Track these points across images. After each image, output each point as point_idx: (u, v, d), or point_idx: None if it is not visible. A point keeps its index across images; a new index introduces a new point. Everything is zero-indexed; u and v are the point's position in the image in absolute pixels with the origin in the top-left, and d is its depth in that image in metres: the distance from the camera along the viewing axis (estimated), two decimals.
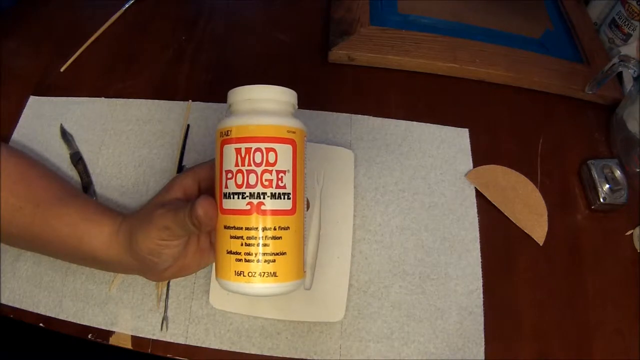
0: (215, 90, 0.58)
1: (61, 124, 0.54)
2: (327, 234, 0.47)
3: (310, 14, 0.66)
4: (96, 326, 0.44)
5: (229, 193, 0.33)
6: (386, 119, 0.56)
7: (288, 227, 0.33)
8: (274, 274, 0.32)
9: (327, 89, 0.59)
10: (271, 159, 0.32)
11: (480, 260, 0.48)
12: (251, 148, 0.32)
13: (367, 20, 0.62)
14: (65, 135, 0.53)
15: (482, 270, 0.48)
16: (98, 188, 0.50)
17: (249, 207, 0.32)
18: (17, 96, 0.56)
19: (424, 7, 0.65)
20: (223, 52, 0.62)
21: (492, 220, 0.51)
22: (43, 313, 0.45)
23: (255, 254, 0.32)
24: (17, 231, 0.40)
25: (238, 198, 0.32)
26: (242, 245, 0.32)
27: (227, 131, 0.33)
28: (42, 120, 0.54)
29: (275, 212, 0.32)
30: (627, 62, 0.51)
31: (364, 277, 0.47)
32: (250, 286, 0.32)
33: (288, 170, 0.33)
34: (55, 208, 0.40)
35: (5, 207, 0.39)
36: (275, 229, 0.32)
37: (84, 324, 0.44)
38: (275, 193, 0.32)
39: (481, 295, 0.47)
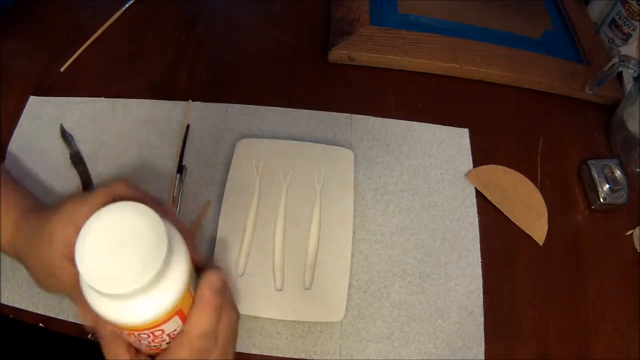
0: (215, 90, 0.58)
1: (61, 124, 0.54)
2: (327, 234, 0.47)
3: (310, 14, 0.66)
4: None
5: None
6: (386, 119, 0.56)
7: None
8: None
9: (327, 89, 0.59)
10: (158, 334, 0.30)
11: (480, 260, 0.48)
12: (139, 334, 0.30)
13: (367, 20, 0.62)
14: (65, 135, 0.53)
15: (482, 270, 0.48)
16: None
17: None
18: (17, 96, 0.56)
19: (424, 7, 0.65)
20: (223, 52, 0.61)
21: (492, 220, 0.51)
22: (43, 313, 0.44)
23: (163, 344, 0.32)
24: None
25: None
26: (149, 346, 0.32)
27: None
28: (42, 120, 0.54)
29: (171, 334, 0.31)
30: (627, 62, 0.51)
31: (364, 277, 0.47)
32: None
33: (179, 326, 0.31)
34: None
35: None
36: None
37: None
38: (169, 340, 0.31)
39: (481, 295, 0.47)
